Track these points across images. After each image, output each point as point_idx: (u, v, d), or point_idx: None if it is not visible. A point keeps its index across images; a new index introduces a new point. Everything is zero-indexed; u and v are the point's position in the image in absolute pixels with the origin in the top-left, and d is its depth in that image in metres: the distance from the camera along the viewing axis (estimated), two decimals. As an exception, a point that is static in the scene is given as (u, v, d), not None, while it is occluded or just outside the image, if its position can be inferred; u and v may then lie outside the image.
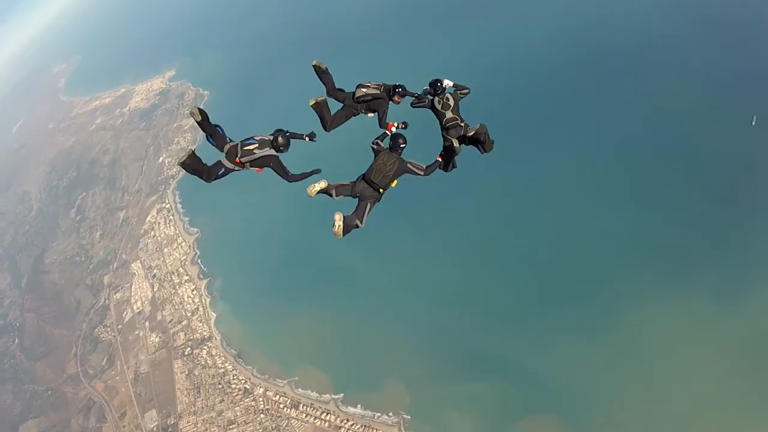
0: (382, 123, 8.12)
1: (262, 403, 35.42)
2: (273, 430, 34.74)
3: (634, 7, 45.04)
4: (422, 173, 7.46)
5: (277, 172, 7.35)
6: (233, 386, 35.97)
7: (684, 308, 36.23)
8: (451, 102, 7.98)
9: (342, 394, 34.80)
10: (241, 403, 35.68)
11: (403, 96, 8.15)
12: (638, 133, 38.70)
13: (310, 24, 51.06)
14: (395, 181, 7.26)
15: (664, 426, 32.87)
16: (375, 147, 7.64)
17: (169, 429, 36.38)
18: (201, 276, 38.52)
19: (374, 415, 34.28)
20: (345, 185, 7.14)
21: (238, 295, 37.40)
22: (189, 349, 37.25)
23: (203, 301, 37.68)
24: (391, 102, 8.21)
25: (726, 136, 34.97)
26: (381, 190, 7.07)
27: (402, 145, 7.31)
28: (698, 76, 38.41)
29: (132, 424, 37.78)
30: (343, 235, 6.80)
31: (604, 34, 44.32)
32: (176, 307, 38.13)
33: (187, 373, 36.98)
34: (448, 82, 8.13)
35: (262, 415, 35.20)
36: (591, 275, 36.33)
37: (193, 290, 38.19)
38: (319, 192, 6.96)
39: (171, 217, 41.46)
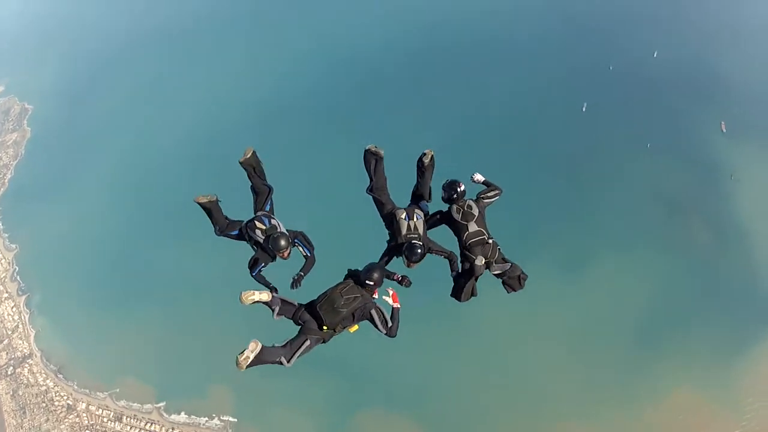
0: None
1: (86, 418, 33.75)
2: (100, 445, 33.21)
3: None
4: (384, 331, 5.47)
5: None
6: (56, 403, 34.19)
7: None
8: (475, 210, 6.20)
9: (164, 403, 33.20)
10: (66, 420, 33.96)
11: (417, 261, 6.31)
12: (486, 114, 39.28)
13: (142, 37, 49.19)
14: (355, 326, 5.52)
15: (501, 403, 31.96)
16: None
17: (0, 454, 34.75)
18: (20, 292, 36.40)
19: (200, 421, 32.87)
20: (291, 304, 5.68)
21: (57, 309, 35.39)
22: (11, 368, 35.34)
23: (23, 317, 35.63)
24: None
25: (563, 119, 38.11)
26: (325, 327, 5.32)
27: (370, 282, 5.50)
28: (542, 67, 40.95)
29: (-34, 451, 36.11)
30: (248, 367, 5.14)
31: (460, 26, 45.22)
32: (-2, 325, 36.20)
33: (11, 393, 35.12)
34: (479, 177, 6.67)
35: (87, 431, 33.62)
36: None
37: (12, 307, 36.08)
38: (257, 302, 5.43)
39: (-9, 234, 39.34)
